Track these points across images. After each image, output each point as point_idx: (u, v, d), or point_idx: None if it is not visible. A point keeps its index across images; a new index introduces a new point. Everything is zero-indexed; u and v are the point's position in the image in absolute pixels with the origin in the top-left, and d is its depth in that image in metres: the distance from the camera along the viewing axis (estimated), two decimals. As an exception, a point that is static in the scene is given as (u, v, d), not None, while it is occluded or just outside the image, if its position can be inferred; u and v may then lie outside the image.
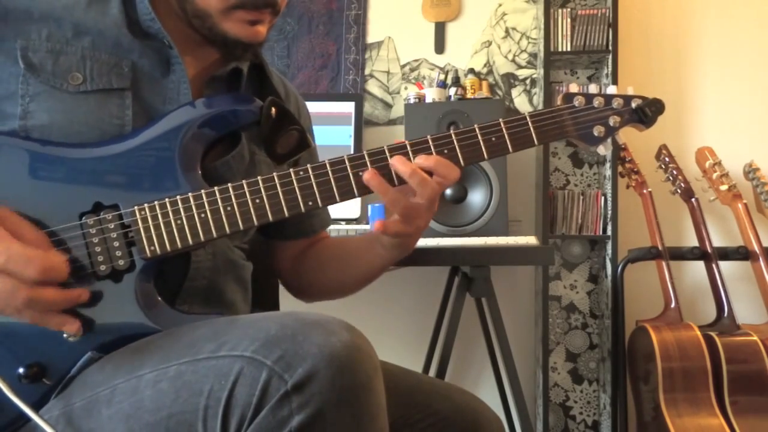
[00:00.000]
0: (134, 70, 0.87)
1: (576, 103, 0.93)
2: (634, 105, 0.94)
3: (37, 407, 0.74)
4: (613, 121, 0.93)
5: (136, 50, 0.87)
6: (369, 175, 0.85)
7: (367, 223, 1.78)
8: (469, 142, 0.90)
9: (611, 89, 0.96)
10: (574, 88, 0.94)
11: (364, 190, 0.87)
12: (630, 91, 0.96)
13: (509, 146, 0.91)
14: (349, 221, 2.15)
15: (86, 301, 0.77)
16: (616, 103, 0.94)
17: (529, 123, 0.91)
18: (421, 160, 0.87)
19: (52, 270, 0.73)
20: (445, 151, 0.89)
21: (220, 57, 0.96)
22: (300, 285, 1.16)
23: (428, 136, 0.89)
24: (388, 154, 0.87)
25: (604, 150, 0.95)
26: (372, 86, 2.56)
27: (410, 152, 0.87)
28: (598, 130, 0.93)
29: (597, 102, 0.93)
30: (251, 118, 0.89)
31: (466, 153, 0.90)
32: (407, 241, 0.97)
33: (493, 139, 0.90)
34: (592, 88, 0.95)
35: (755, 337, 1.92)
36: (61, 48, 0.83)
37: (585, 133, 0.93)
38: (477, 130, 0.90)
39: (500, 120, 0.91)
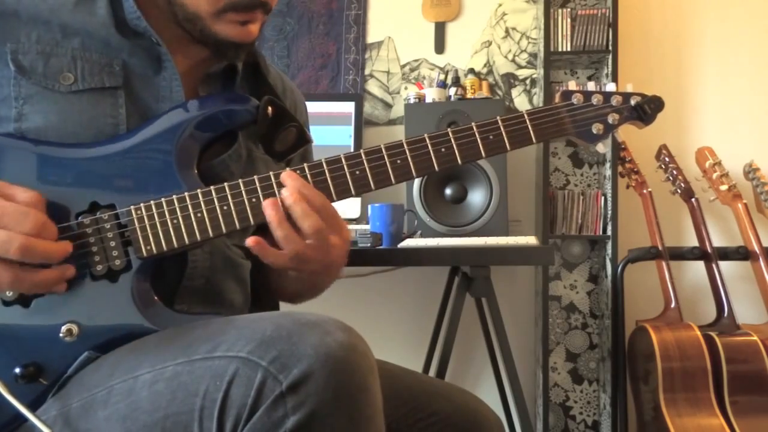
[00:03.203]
0: (125, 68, 0.87)
1: (574, 100, 0.92)
2: (633, 102, 0.93)
3: (33, 407, 0.74)
4: (612, 118, 0.92)
5: (126, 49, 0.87)
6: (269, 203, 0.81)
7: (367, 223, 1.78)
8: (466, 140, 0.89)
9: (610, 87, 0.95)
10: (572, 86, 0.94)
11: (362, 189, 0.87)
12: (629, 89, 0.95)
13: (507, 144, 0.90)
14: (349, 221, 2.15)
15: (70, 251, 0.76)
16: (615, 100, 0.93)
17: (527, 121, 0.90)
18: (287, 177, 0.82)
19: (47, 224, 0.73)
20: (443, 150, 0.88)
21: (211, 54, 0.96)
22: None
23: (425, 135, 0.89)
24: (384, 153, 0.87)
25: (603, 148, 0.94)
26: (372, 86, 2.56)
27: (308, 175, 0.84)
28: (596, 128, 0.92)
29: (595, 99, 0.92)
30: (248, 117, 0.89)
31: (464, 151, 0.89)
32: (306, 278, 0.93)
33: (491, 137, 0.89)
34: (591, 86, 0.95)
35: (755, 337, 1.92)
36: (51, 50, 0.83)
37: (583, 130, 0.92)
38: (474, 128, 0.89)
39: (498, 118, 0.90)
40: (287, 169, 0.85)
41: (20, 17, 0.83)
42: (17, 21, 0.83)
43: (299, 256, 0.82)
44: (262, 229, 1.09)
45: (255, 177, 0.83)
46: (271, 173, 0.84)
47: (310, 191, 0.82)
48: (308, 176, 0.85)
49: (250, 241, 0.80)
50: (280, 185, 0.83)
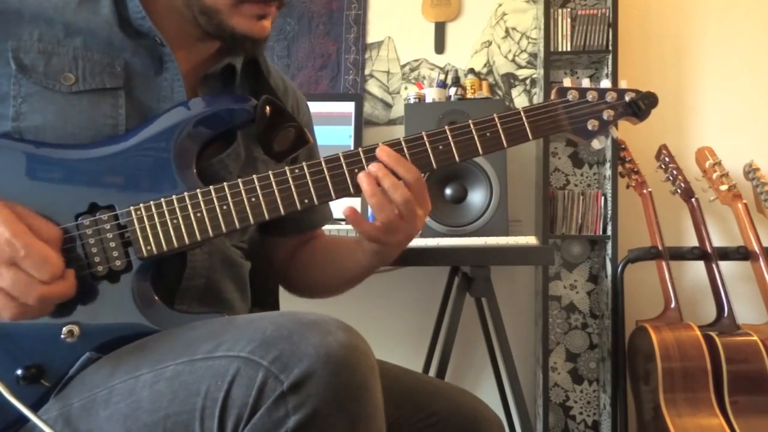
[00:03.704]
0: (127, 69, 0.87)
1: (570, 97, 0.93)
2: (627, 98, 0.94)
3: (35, 408, 0.74)
4: (606, 114, 0.93)
5: (129, 49, 0.87)
6: (363, 175, 0.86)
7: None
8: (463, 138, 0.90)
9: (604, 83, 0.96)
10: (568, 82, 0.95)
11: (360, 188, 0.87)
12: (623, 85, 0.96)
13: (504, 141, 0.91)
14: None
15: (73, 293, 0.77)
16: (610, 96, 0.94)
17: (524, 117, 0.91)
18: (382, 153, 0.87)
19: (63, 273, 0.74)
20: (440, 147, 0.89)
21: (213, 53, 0.96)
22: (289, 281, 1.18)
23: (423, 133, 0.89)
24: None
25: (598, 144, 0.95)
26: (372, 86, 2.56)
27: (363, 159, 0.88)
28: (592, 124, 0.93)
29: (590, 96, 0.93)
30: (246, 117, 0.88)
31: (461, 148, 0.90)
32: (386, 250, 0.96)
33: (488, 134, 0.90)
34: (586, 83, 0.95)
35: (755, 337, 1.92)
36: (53, 48, 0.83)
37: (579, 127, 0.93)
38: (471, 125, 0.90)
39: (494, 115, 0.91)
40: (381, 144, 0.88)
41: (23, 15, 0.83)
42: (20, 19, 0.82)
43: (389, 225, 0.89)
44: (261, 227, 1.10)
45: (254, 176, 0.84)
46: (270, 172, 0.84)
47: (403, 166, 0.87)
48: (307, 174, 0.85)
49: (346, 210, 0.88)
50: (281, 184, 0.84)
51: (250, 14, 0.87)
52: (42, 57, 0.82)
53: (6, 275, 0.70)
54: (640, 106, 0.94)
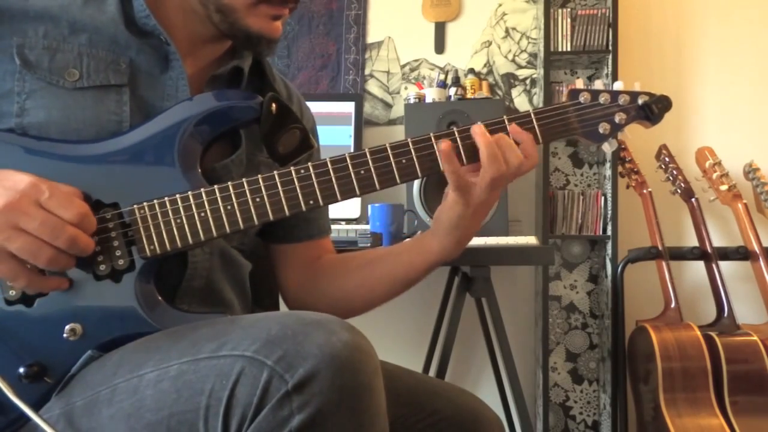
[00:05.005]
0: (132, 66, 0.87)
1: (582, 99, 0.90)
2: (640, 101, 0.91)
3: (37, 407, 0.74)
4: (619, 118, 0.90)
5: (134, 47, 0.87)
6: (478, 128, 0.87)
7: (367, 223, 1.77)
8: (471, 141, 0.88)
9: (618, 85, 0.92)
10: (579, 84, 0.92)
11: (366, 189, 0.86)
12: (637, 87, 0.93)
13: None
14: (349, 221, 2.15)
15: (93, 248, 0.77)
16: (623, 99, 0.91)
17: (534, 120, 0.89)
18: (516, 129, 0.88)
19: (87, 216, 0.74)
20: None
21: (220, 56, 0.96)
22: (310, 298, 1.10)
23: (431, 134, 0.88)
24: (390, 152, 0.86)
25: (608, 147, 0.92)
26: (372, 86, 2.56)
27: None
28: (603, 128, 0.90)
29: (603, 98, 0.90)
30: (251, 114, 0.87)
31: (468, 151, 0.88)
32: (468, 224, 0.96)
33: None
34: (598, 84, 0.92)
35: (755, 337, 1.92)
36: (58, 45, 0.83)
37: (590, 130, 0.90)
38: (483, 126, 0.89)
39: (504, 117, 0.89)
40: (479, 123, 0.87)
41: (28, 13, 0.83)
42: (25, 16, 0.83)
43: (494, 182, 0.88)
44: (264, 236, 1.09)
45: (259, 177, 0.82)
46: (275, 173, 0.83)
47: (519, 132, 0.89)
48: (312, 175, 0.84)
49: (443, 145, 0.86)
50: (286, 185, 0.83)
51: (265, 14, 0.88)
52: (47, 53, 0.82)
53: (34, 214, 0.70)
54: (653, 109, 0.91)
